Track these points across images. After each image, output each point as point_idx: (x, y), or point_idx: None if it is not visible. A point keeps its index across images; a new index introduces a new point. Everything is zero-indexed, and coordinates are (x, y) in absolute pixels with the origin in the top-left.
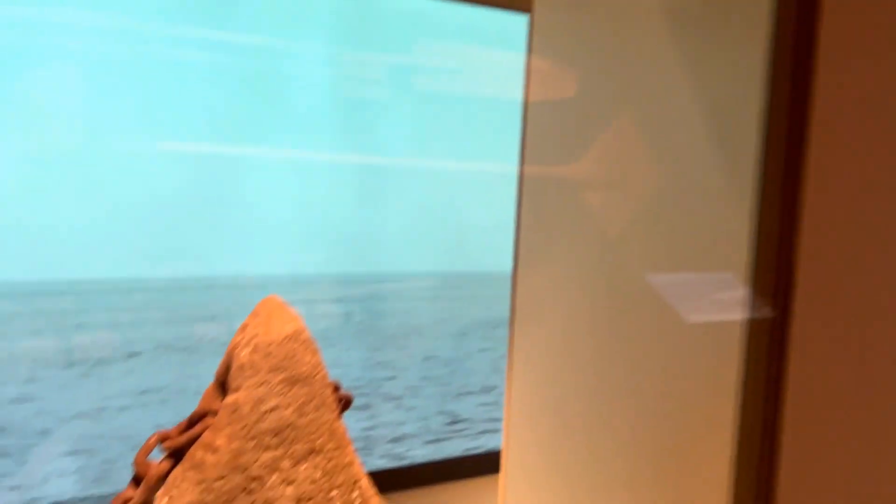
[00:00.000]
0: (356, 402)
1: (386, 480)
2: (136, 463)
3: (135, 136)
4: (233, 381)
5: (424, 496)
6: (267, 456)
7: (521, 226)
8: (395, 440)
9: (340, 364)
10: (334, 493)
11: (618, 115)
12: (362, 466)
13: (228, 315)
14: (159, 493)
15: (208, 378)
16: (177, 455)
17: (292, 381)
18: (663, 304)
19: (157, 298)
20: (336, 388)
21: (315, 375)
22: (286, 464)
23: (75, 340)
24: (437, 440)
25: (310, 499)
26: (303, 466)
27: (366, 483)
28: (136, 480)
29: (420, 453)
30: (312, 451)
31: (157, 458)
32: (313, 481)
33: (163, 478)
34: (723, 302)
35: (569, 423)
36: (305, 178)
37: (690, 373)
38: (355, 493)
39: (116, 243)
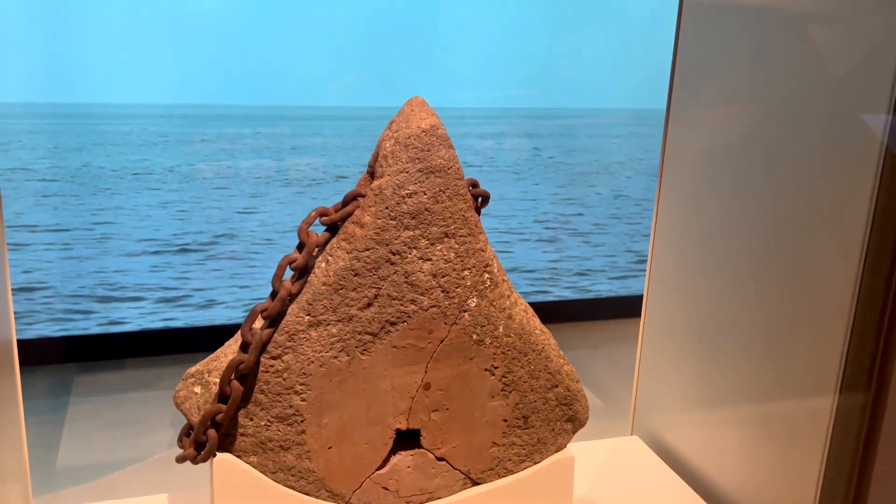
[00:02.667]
0: (543, 236)
1: (569, 310)
2: (300, 232)
3: None
4: (378, 169)
5: (607, 328)
6: (406, 234)
7: (677, 60)
8: (581, 274)
9: (528, 198)
10: (466, 273)
11: None
12: (496, 256)
13: None
14: (319, 258)
15: None
16: (333, 229)
17: (428, 171)
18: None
19: (362, 126)
20: (474, 185)
21: (449, 168)
22: (423, 243)
23: (291, 162)
24: (623, 277)
25: (444, 275)
26: (438, 247)
27: (496, 268)
28: (300, 247)
29: (605, 288)
30: (446, 235)
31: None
32: (447, 261)
33: (321, 245)
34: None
35: (709, 264)
36: (498, 7)
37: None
38: (486, 276)
39: (326, 73)
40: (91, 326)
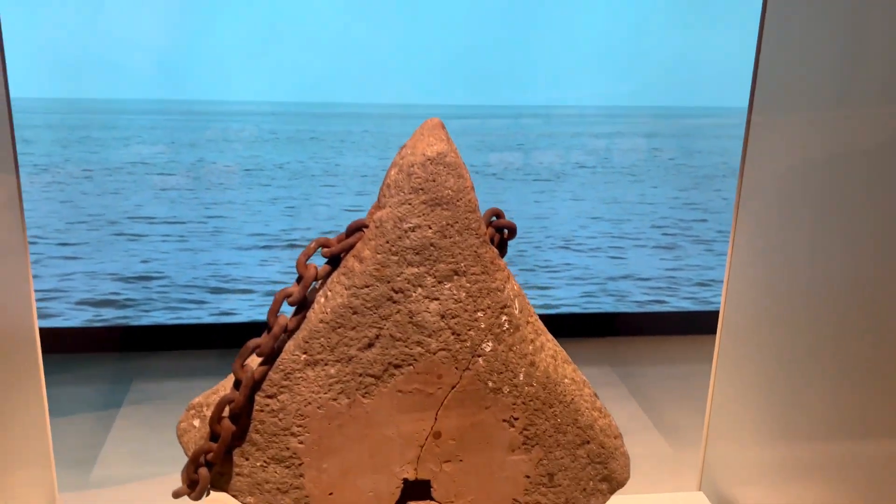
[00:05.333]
0: (661, 242)
1: (689, 322)
2: (298, 265)
3: None
4: (382, 199)
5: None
6: (410, 271)
7: (760, 58)
8: (702, 284)
9: (645, 201)
10: (479, 314)
11: None
12: (522, 295)
13: (532, 145)
14: (319, 293)
15: (510, 203)
16: (335, 261)
17: (434, 203)
18: None
19: (469, 125)
20: (497, 215)
21: (458, 200)
22: (429, 281)
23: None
24: None
25: (454, 317)
26: (447, 286)
27: (518, 310)
28: (299, 280)
29: None
30: (456, 273)
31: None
32: (457, 301)
33: (322, 279)
34: None
35: (788, 295)
36: (617, 2)
37: None
38: (503, 318)
39: (433, 70)
40: (203, 316)
